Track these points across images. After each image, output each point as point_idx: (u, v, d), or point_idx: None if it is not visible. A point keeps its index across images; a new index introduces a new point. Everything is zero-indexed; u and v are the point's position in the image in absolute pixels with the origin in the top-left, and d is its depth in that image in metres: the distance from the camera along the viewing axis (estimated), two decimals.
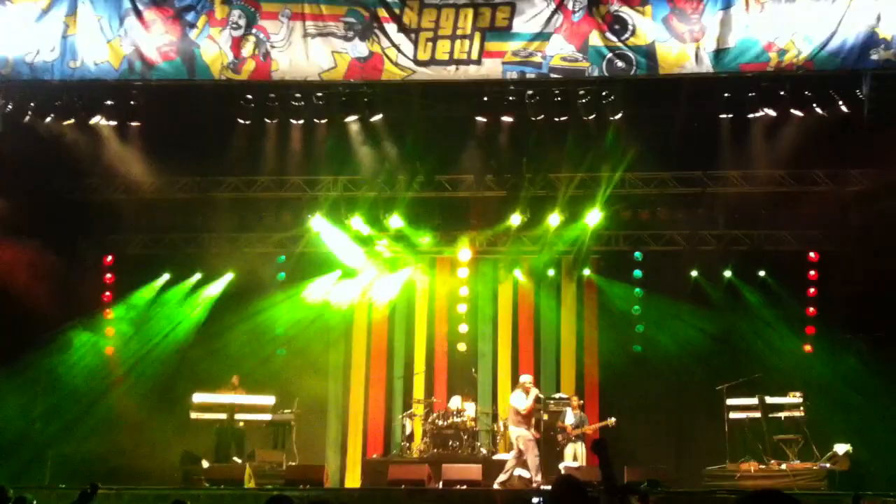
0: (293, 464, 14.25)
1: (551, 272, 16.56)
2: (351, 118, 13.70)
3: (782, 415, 14.44)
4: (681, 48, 11.88)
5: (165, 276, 16.30)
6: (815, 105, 12.87)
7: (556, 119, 13.32)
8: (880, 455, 13.70)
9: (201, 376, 15.32)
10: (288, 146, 14.45)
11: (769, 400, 14.46)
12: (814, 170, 15.07)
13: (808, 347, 15.62)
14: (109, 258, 16.35)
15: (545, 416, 15.15)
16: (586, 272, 16.48)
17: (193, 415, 14.59)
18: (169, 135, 14.14)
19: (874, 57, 11.80)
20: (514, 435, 13.66)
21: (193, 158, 14.98)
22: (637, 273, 16.16)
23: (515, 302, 16.60)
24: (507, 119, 13.56)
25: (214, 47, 11.92)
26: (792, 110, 12.99)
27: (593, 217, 15.46)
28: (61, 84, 12.42)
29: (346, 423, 16.43)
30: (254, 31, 11.90)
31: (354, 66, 11.97)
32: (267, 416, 14.94)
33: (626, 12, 11.80)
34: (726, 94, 13.05)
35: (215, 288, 16.36)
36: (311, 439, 15.80)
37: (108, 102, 13.23)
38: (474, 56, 11.86)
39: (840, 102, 12.74)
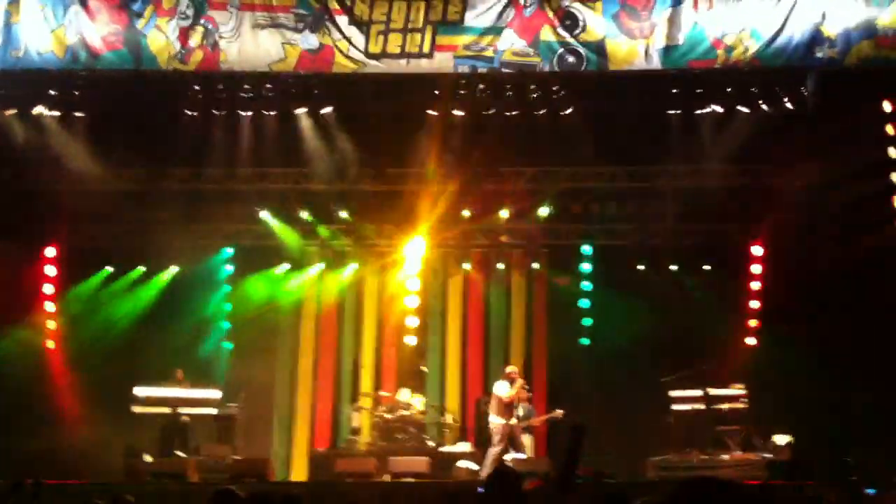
0: (238, 458, 14.09)
1: (501, 266, 16.63)
2: (301, 110, 13.56)
3: (725, 406, 14.67)
4: (631, 44, 12.01)
5: (109, 269, 16.02)
6: (760, 101, 13.07)
7: (508, 113, 13.34)
8: (821, 445, 14.03)
9: (145, 370, 15.06)
10: (237, 138, 14.23)
11: (713, 392, 14.67)
12: (760, 165, 15.32)
13: (752, 340, 15.90)
14: (51, 250, 16.00)
15: None
16: (536, 266, 16.57)
17: (136, 409, 14.35)
18: (114, 125, 13.85)
19: (819, 55, 12.06)
20: (493, 424, 13.62)
21: (139, 149, 14.66)
22: (586, 267, 16.30)
23: (465, 295, 16.62)
24: (458, 113, 13.54)
25: (161, 37, 11.72)
26: (738, 106, 13.17)
27: (543, 211, 15.55)
28: (3, 73, 12.11)
29: (292, 416, 16.31)
30: (202, 21, 11.72)
31: (305, 58, 11.87)
32: (212, 410, 14.74)
33: (578, 8, 11.88)
34: (675, 90, 13.17)
35: (160, 280, 16.12)
36: (257, 433, 15.64)
37: (52, 92, 12.90)
38: (426, 49, 11.84)
39: (785, 99, 12.95)
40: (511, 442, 13.51)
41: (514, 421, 13.72)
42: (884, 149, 13.87)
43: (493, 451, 13.45)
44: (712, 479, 3.79)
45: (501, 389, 13.68)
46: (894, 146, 13.84)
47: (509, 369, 14.11)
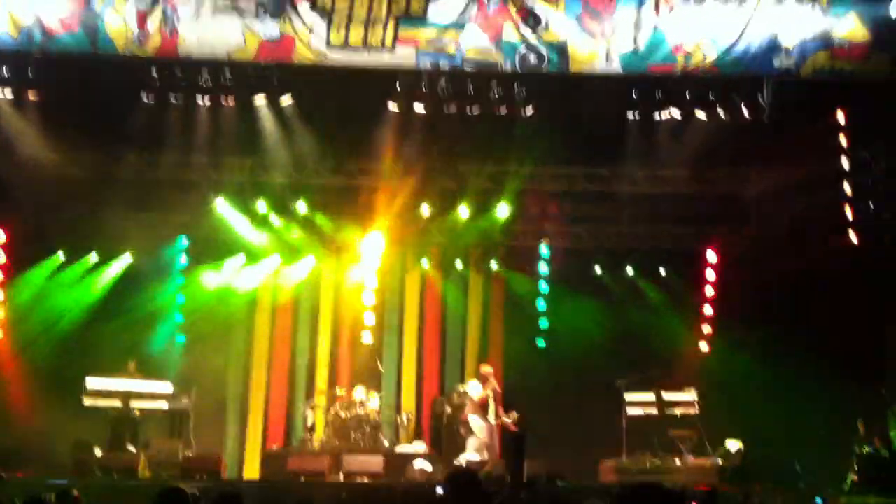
0: (190, 453, 13.93)
1: (459, 264, 16.62)
2: (260, 100, 13.41)
3: (678, 411, 14.78)
4: (592, 46, 12.09)
5: (60, 256, 15.74)
6: (718, 107, 13.22)
7: (468, 111, 13.34)
8: (771, 451, 14.17)
9: (96, 361, 14.80)
10: (194, 125, 14.06)
11: (666, 396, 14.79)
12: (715, 170, 15.48)
13: (704, 345, 16.05)
14: (0, 236, 15.70)
15: (448, 410, 15.20)
16: (493, 265, 16.59)
17: (87, 401, 14.09)
18: (68, 108, 13.61)
19: (776, 63, 12.24)
20: (473, 425, 13.65)
21: (93, 134, 14.41)
22: (543, 268, 16.36)
23: (422, 293, 16.57)
24: (419, 108, 13.51)
25: (119, 20, 11.55)
26: (696, 112, 13.30)
27: (502, 210, 15.58)
28: None
29: (245, 412, 16.12)
30: (161, 3, 11.57)
31: (265, 47, 11.78)
32: (164, 404, 14.55)
33: (541, 7, 11.93)
34: (634, 94, 13.26)
35: (112, 269, 15.83)
36: (210, 429, 15.42)
37: (5, 73, 12.66)
38: (388, 43, 11.81)
39: (742, 106, 13.11)
40: (485, 438, 13.47)
41: (490, 419, 13.70)
42: (837, 159, 14.09)
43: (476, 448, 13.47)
44: (652, 486, 3.84)
45: (473, 391, 13.68)
46: (847, 156, 14.07)
47: (484, 369, 14.04)
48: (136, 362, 14.76)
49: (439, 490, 10.43)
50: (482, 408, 13.76)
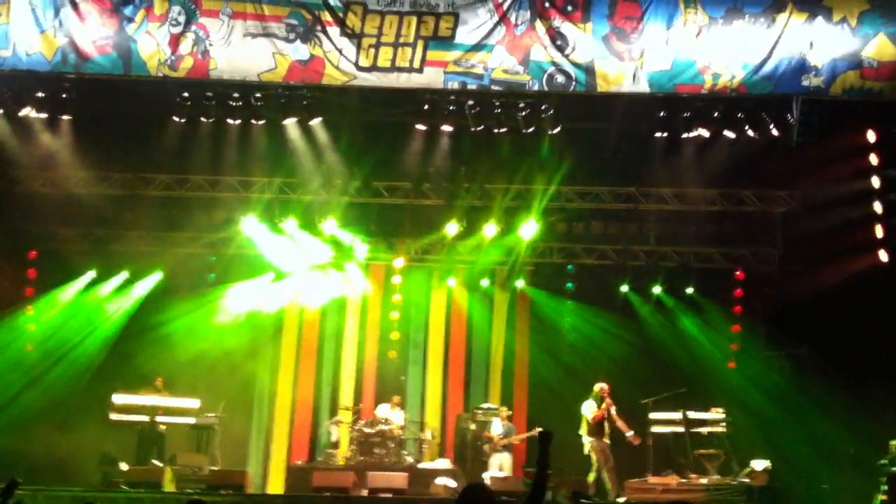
0: (215, 468, 14.01)
1: (485, 282, 16.64)
2: (289, 120, 13.53)
3: (705, 430, 14.71)
4: (619, 67, 12.08)
5: (91, 274, 15.89)
6: (746, 127, 13.16)
7: (496, 130, 13.37)
8: (798, 471, 14.08)
9: (125, 377, 14.98)
10: (223, 146, 14.21)
11: (692, 415, 14.72)
12: (743, 190, 15.45)
13: (731, 364, 15.96)
14: (33, 253, 15.88)
15: (472, 427, 15.21)
16: (519, 283, 16.60)
17: (113, 416, 14.26)
18: (101, 129, 13.81)
19: (805, 83, 12.17)
20: (586, 444, 13.56)
21: (125, 154, 14.64)
22: (569, 285, 16.34)
23: (448, 311, 16.62)
24: (446, 128, 13.57)
25: (152, 43, 11.68)
26: (724, 131, 13.25)
27: (528, 229, 15.59)
28: None
29: (271, 428, 16.23)
30: (193, 28, 11.68)
31: (295, 68, 11.86)
32: (191, 420, 14.68)
33: (568, 28, 11.94)
34: (662, 113, 13.24)
35: (142, 287, 16.01)
36: (235, 444, 15.57)
37: (40, 94, 12.80)
38: (416, 64, 11.85)
39: (771, 125, 13.06)
40: (604, 459, 13.32)
41: (605, 440, 13.50)
42: (867, 178, 14.00)
43: (596, 472, 13.38)
44: None
45: (587, 410, 13.53)
46: (878, 175, 13.98)
47: (598, 386, 13.90)
48: (163, 379, 14.89)
49: None
50: (598, 426, 13.53)
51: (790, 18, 12.07)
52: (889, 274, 14.14)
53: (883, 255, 14.05)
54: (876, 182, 14.02)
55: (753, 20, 12.10)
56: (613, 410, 13.70)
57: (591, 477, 13.42)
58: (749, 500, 13.23)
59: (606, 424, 13.63)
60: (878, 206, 14.06)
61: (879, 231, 14.07)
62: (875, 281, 14.16)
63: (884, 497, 12.82)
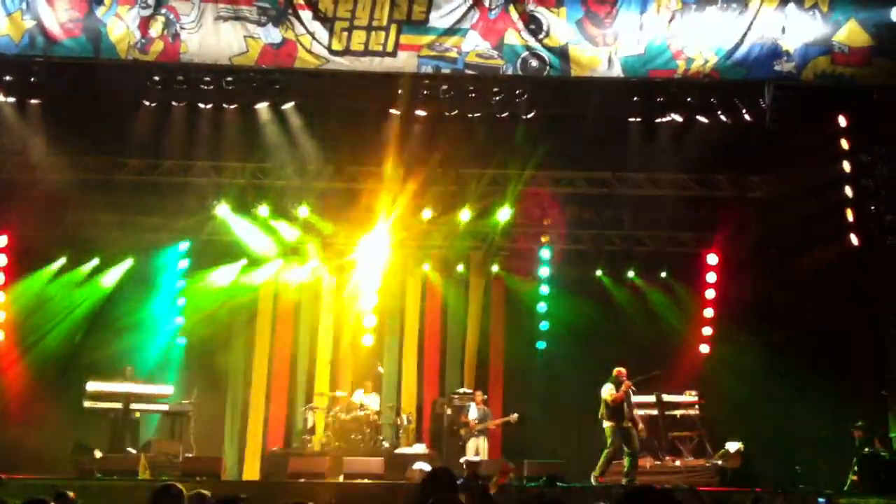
0: (190, 455, 13.95)
1: (460, 267, 16.63)
2: (261, 104, 13.43)
3: (679, 412, 14.84)
4: (593, 51, 12.11)
5: (62, 260, 15.72)
6: (719, 112, 13.20)
7: (470, 115, 13.34)
8: (771, 453, 14.23)
9: (97, 364, 14.86)
10: (195, 130, 14.01)
11: (667, 398, 14.85)
12: (716, 175, 15.51)
13: (705, 347, 16.07)
14: (2, 239, 15.70)
15: (448, 411, 15.22)
16: (494, 268, 16.61)
17: (87, 403, 14.16)
18: (71, 113, 13.61)
19: (777, 68, 12.26)
20: (606, 427, 13.32)
21: (95, 139, 14.45)
22: (544, 271, 16.37)
23: (423, 296, 16.59)
24: (420, 112, 13.51)
25: (121, 26, 11.58)
26: (698, 116, 13.29)
27: (503, 214, 15.59)
28: None
29: (246, 414, 16.13)
30: (163, 11, 11.61)
31: (267, 52, 11.80)
32: (164, 406, 14.62)
33: (542, 13, 11.96)
34: (635, 98, 13.25)
35: (114, 274, 15.85)
36: (210, 431, 15.47)
37: (7, 78, 12.63)
38: (389, 48, 11.83)
39: (744, 111, 13.10)
40: (627, 442, 13.11)
41: (627, 424, 13.18)
42: (838, 162, 14.10)
43: (606, 451, 13.23)
44: (650, 489, 3.90)
45: (605, 392, 13.28)
46: (849, 160, 14.08)
47: (616, 370, 13.57)
48: (133, 368, 14.80)
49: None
50: (616, 409, 13.20)
51: (762, 4, 12.16)
52: (861, 258, 14.29)
53: (854, 239, 14.17)
54: (847, 167, 14.13)
55: (726, 6, 12.18)
56: (632, 394, 13.43)
57: (603, 458, 13.20)
58: (722, 482, 13.37)
59: (625, 407, 13.31)
60: (848, 191, 14.18)
61: (850, 215, 14.19)
62: (849, 265, 14.30)
63: (855, 478, 13.00)
